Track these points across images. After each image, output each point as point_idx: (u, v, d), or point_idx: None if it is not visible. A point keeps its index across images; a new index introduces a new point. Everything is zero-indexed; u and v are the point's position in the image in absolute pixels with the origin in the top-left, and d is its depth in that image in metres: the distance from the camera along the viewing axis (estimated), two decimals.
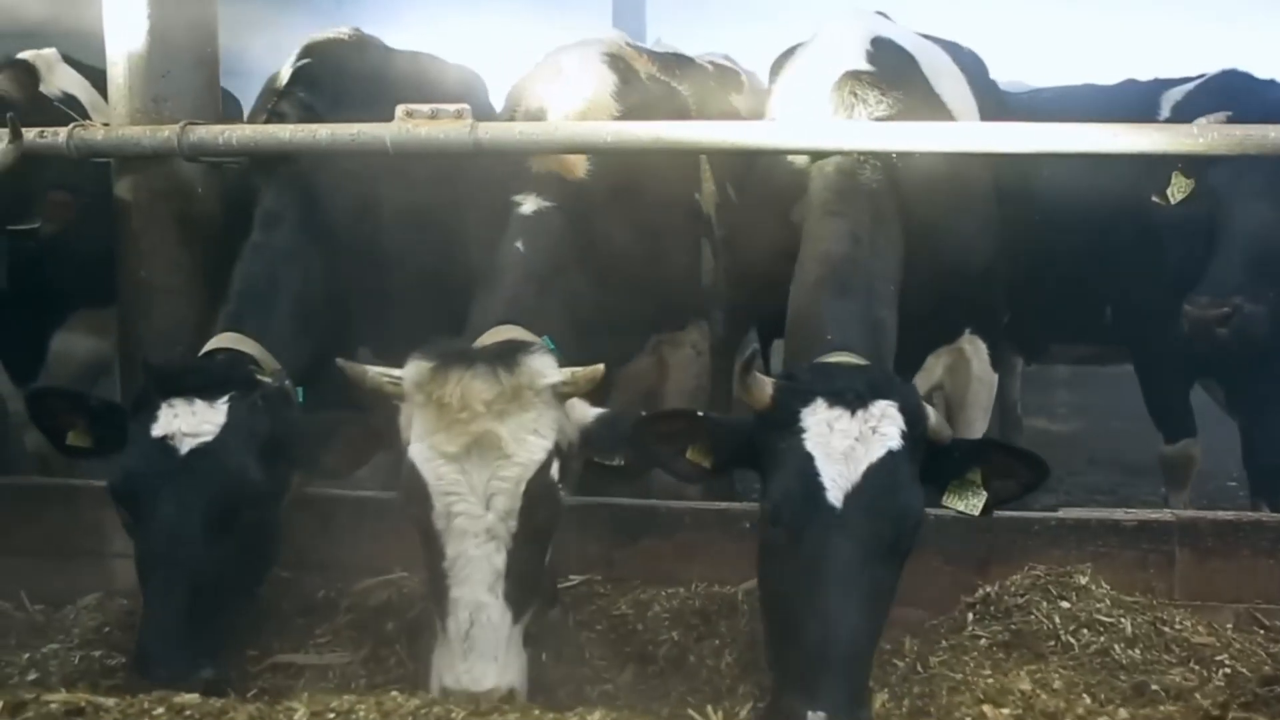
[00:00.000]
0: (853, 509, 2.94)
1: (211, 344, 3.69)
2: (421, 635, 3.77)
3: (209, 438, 3.37)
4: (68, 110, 4.92)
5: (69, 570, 4.24)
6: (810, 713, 2.79)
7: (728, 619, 3.78)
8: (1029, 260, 4.98)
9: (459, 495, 3.21)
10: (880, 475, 2.97)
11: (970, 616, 3.77)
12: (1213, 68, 5.86)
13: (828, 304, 3.39)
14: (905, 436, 3.02)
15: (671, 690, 3.59)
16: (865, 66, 3.96)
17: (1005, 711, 2.91)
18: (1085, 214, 5.32)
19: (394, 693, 3.06)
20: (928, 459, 3.09)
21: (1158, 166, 4.76)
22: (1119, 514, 3.94)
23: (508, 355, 3.31)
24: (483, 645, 3.15)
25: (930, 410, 3.14)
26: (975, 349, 4.26)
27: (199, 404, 3.40)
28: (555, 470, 3.31)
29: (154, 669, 3.22)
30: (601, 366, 3.34)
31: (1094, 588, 3.71)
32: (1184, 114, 5.27)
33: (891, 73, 3.96)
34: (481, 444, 3.22)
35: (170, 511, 3.31)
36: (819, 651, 2.86)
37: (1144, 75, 6.21)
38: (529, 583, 3.28)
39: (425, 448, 3.25)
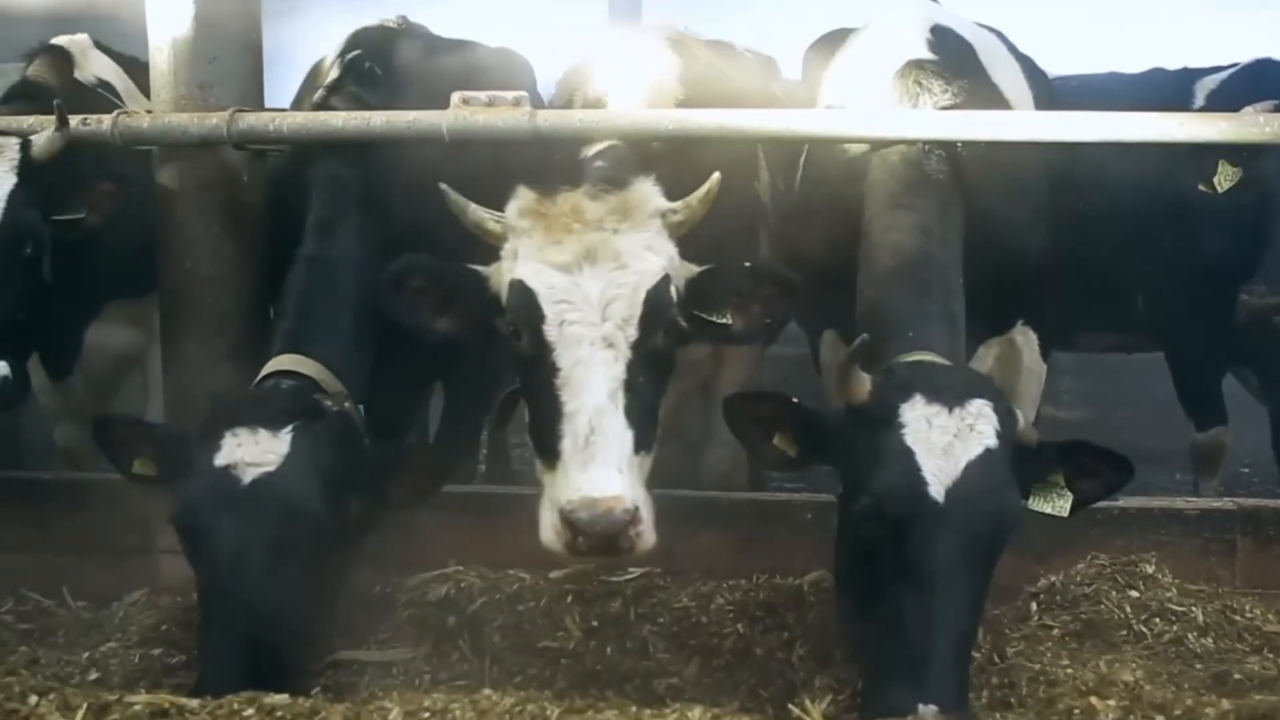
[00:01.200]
0: (954, 503, 2.93)
1: (270, 366, 3.59)
2: (483, 630, 3.75)
3: (271, 467, 3.27)
4: (110, 97, 4.82)
5: (113, 566, 4.18)
6: (921, 705, 2.78)
7: (795, 611, 3.75)
8: (1062, 249, 4.97)
9: (572, 303, 3.06)
10: (979, 471, 2.96)
11: (1034, 606, 3.79)
12: (1216, 57, 5.91)
13: (906, 300, 3.37)
14: (1000, 436, 3.02)
15: (740, 683, 3.57)
16: (928, 55, 3.91)
17: (1112, 703, 2.90)
18: (1120, 202, 5.32)
19: (486, 690, 3.00)
20: (1014, 461, 3.08)
21: (1196, 154, 4.75)
22: (1180, 503, 3.97)
23: (617, 178, 3.21)
24: (604, 453, 2.92)
25: (1019, 413, 3.13)
26: (1026, 340, 4.24)
27: (262, 433, 3.30)
28: (673, 293, 3.16)
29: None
30: (717, 175, 3.24)
31: (1160, 576, 3.73)
32: (1219, 102, 5.30)
33: (953, 61, 3.92)
34: (595, 255, 3.08)
35: (230, 541, 3.23)
36: (926, 644, 2.85)
37: (1135, 63, 6.25)
38: (648, 414, 3.08)
39: (534, 262, 3.10)
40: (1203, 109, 5.44)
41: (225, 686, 3.07)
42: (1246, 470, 6.98)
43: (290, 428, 3.33)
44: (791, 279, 3.33)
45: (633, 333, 3.08)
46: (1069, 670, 3.32)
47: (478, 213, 3.29)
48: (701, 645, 3.69)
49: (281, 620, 3.25)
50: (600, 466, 2.94)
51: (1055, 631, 3.58)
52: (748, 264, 3.34)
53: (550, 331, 3.08)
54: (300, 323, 3.72)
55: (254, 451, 3.29)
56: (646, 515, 3.03)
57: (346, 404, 3.56)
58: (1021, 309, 4.16)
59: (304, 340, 3.66)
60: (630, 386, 3.05)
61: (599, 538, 2.94)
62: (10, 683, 2.91)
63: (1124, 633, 3.54)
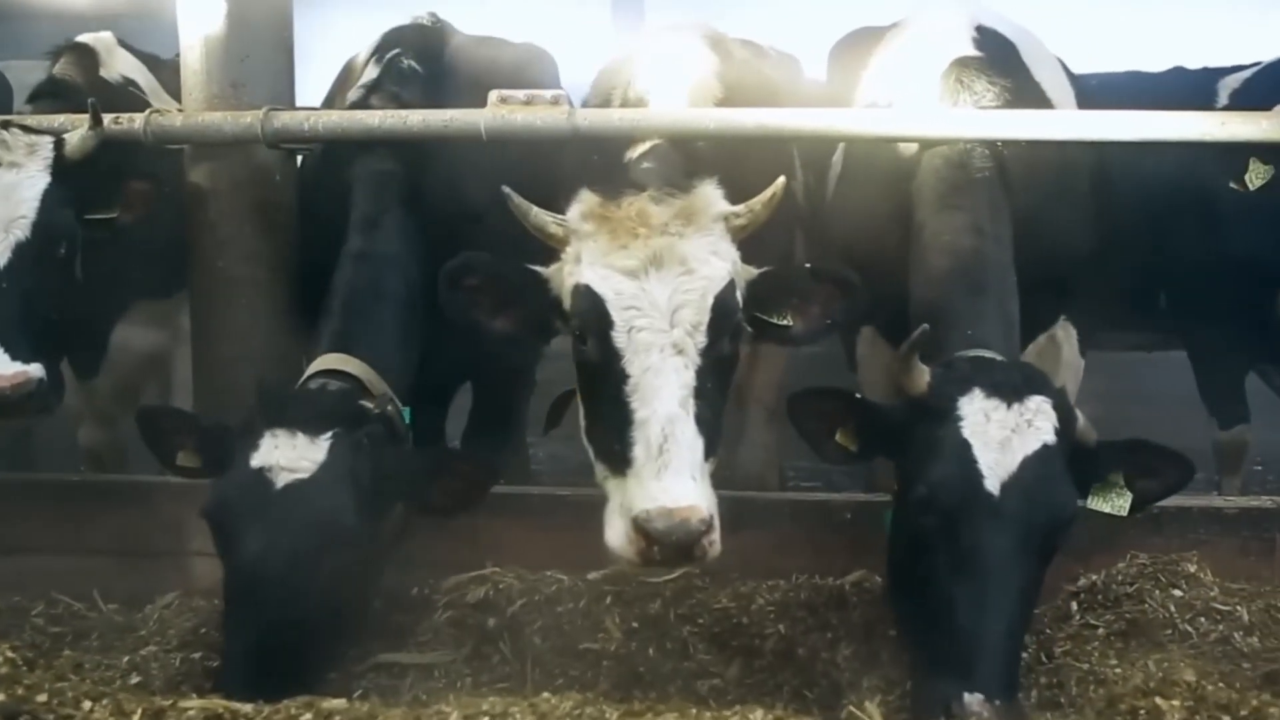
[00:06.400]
0: (1009, 497, 2.95)
1: (316, 365, 3.56)
2: (523, 632, 3.73)
3: (305, 475, 3.24)
4: (137, 95, 4.79)
5: (144, 569, 4.14)
6: (966, 694, 2.80)
7: (837, 611, 3.74)
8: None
9: (640, 310, 3.04)
10: (1036, 467, 2.98)
11: (1075, 605, 3.77)
12: (1232, 57, 5.91)
13: (962, 299, 3.37)
14: (1058, 433, 3.03)
15: (784, 684, 3.55)
16: (973, 53, 3.91)
17: (1176, 704, 2.89)
18: (1144, 200, 5.31)
19: (546, 694, 2.98)
20: (1072, 461, 3.09)
21: (1226, 152, 4.73)
22: (1219, 501, 3.98)
23: (680, 182, 3.22)
24: (678, 462, 2.90)
25: (1079, 412, 3.13)
26: (1067, 335, 4.24)
27: (301, 438, 3.28)
28: (739, 296, 3.17)
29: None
30: (782, 180, 3.25)
31: (1202, 575, 3.72)
32: (1243, 101, 5.31)
33: (998, 60, 3.92)
34: (661, 260, 3.07)
35: (258, 546, 3.20)
36: (973, 635, 2.88)
37: (1148, 62, 6.25)
38: (715, 420, 3.08)
39: (600, 267, 3.09)
40: (1227, 107, 5.44)
41: (240, 688, 3.06)
42: (1260, 468, 6.99)
43: (329, 434, 3.30)
44: (851, 279, 3.32)
45: (701, 339, 3.07)
46: (1118, 670, 3.31)
47: (540, 215, 3.27)
48: (743, 646, 3.67)
49: (304, 624, 3.24)
50: (675, 476, 2.93)
51: (1100, 631, 3.56)
52: (808, 265, 3.34)
53: (619, 338, 3.06)
54: (346, 322, 3.70)
55: (290, 456, 3.27)
56: (718, 524, 3.02)
57: (389, 407, 3.53)
58: (1065, 305, 4.17)
59: (350, 340, 3.64)
60: (700, 393, 3.04)
61: (674, 548, 2.92)
62: (62, 688, 2.88)
63: (1169, 632, 3.53)
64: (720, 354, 3.12)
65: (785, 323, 3.31)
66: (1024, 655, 3.44)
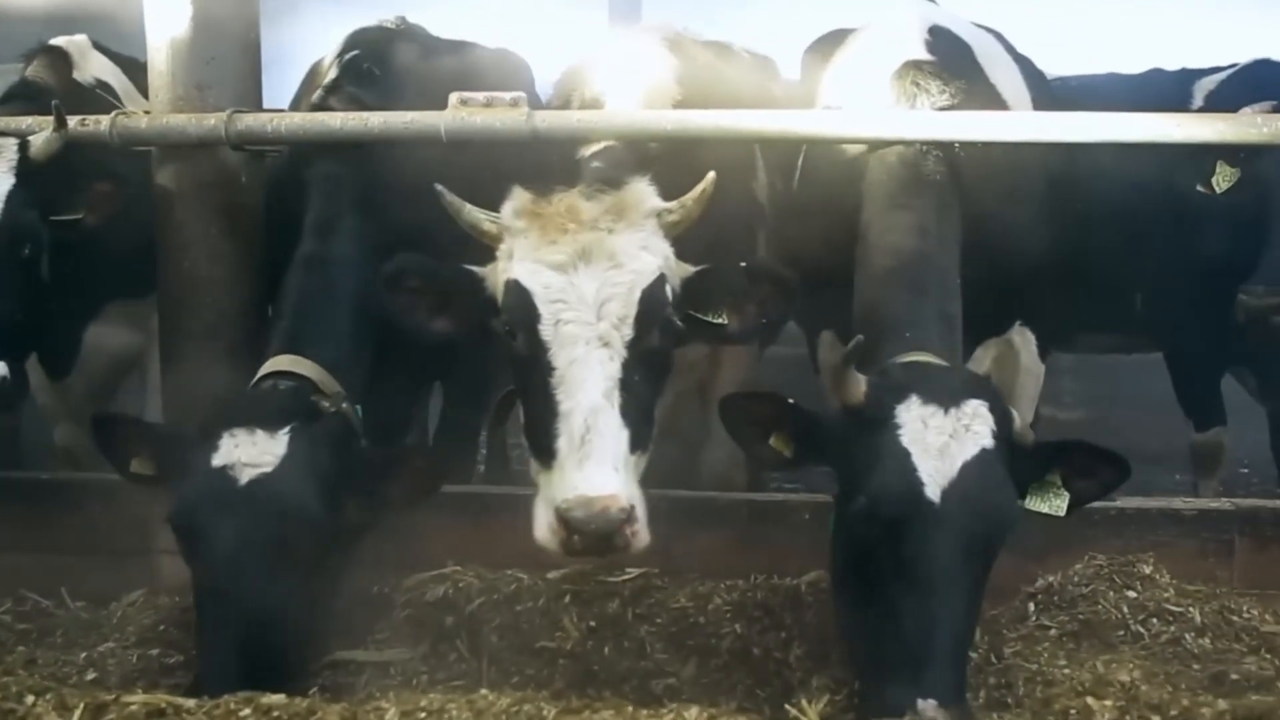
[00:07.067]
0: (950, 504, 2.93)
1: (268, 367, 3.59)
2: (481, 630, 3.75)
3: (269, 468, 3.28)
4: (109, 97, 4.83)
5: (112, 567, 4.18)
6: (920, 700, 2.79)
7: (792, 611, 3.75)
8: (1061, 249, 4.95)
9: (567, 303, 3.08)
10: (975, 472, 2.97)
11: (1032, 606, 3.80)
12: (1215, 58, 5.91)
13: (903, 301, 3.36)
14: (996, 436, 3.03)
15: (737, 683, 3.57)
16: (925, 55, 3.92)
17: (1108, 703, 2.90)
18: (1118, 202, 5.31)
19: (484, 690, 3.00)
20: (1010, 462, 3.08)
21: (1194, 155, 4.75)
22: (1178, 503, 3.98)
23: (612, 178, 3.24)
24: (600, 452, 2.94)
25: (1015, 413, 3.13)
26: (1024, 340, 4.24)
27: (260, 434, 3.31)
28: (669, 292, 3.19)
29: None
30: (712, 175, 3.26)
31: (1158, 577, 3.74)
32: (1218, 103, 5.30)
33: (951, 62, 3.92)
34: (590, 254, 3.10)
35: (227, 542, 3.23)
36: (924, 641, 2.87)
37: (1134, 64, 6.26)
38: (643, 413, 3.10)
39: (529, 262, 3.12)
40: (1201, 110, 5.43)
41: (222, 686, 3.06)
42: (1245, 471, 6.97)
43: (287, 429, 3.34)
44: (788, 278, 3.33)
45: (628, 332, 3.09)
46: (1066, 670, 3.33)
47: (473, 213, 3.30)
48: (699, 645, 3.69)
49: (277, 620, 3.25)
50: (596, 465, 2.96)
51: (1053, 632, 3.59)
52: (744, 264, 3.34)
53: (546, 331, 3.10)
54: (297, 323, 3.72)
55: (251, 452, 3.30)
56: (641, 514, 3.05)
57: (344, 405, 3.56)
58: (1019, 310, 4.17)
59: (301, 341, 3.66)
60: (626, 385, 3.06)
61: (594, 536, 2.96)
62: (7, 683, 2.92)
63: (1121, 633, 3.55)
64: (649, 348, 3.14)
65: (720, 320, 3.33)
66: (973, 656, 3.46)
